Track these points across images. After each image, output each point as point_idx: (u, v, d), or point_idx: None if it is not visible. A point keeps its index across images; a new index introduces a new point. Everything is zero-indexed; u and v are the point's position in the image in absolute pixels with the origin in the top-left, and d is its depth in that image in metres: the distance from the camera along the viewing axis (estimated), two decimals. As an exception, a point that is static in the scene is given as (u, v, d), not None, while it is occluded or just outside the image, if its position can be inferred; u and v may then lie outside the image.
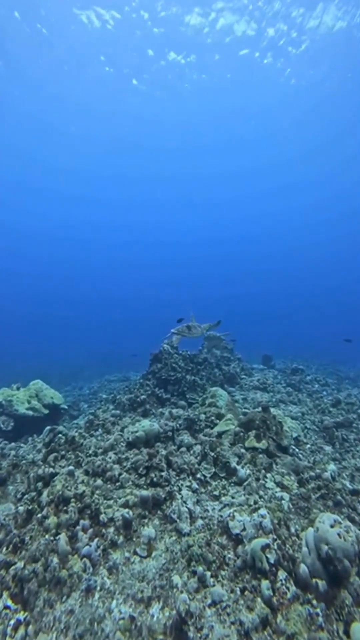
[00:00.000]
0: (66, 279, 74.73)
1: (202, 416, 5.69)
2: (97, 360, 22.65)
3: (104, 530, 2.73)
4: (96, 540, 2.55)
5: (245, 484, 3.71)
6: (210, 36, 23.39)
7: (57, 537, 2.41)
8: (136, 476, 3.82)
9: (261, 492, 3.55)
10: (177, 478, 3.78)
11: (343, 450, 5.27)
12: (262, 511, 2.83)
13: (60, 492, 3.00)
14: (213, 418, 5.63)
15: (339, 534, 2.39)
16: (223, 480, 3.90)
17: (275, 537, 2.58)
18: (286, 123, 32.78)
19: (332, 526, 2.55)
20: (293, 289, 78.98)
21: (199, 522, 3.00)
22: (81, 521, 2.69)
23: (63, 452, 4.45)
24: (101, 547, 2.53)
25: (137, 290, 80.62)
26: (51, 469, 3.81)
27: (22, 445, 5.78)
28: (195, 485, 3.67)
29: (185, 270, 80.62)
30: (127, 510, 2.96)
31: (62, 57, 25.20)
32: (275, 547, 2.42)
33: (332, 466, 4.31)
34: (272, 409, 5.54)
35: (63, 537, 2.42)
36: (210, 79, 28.21)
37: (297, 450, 4.80)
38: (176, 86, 28.93)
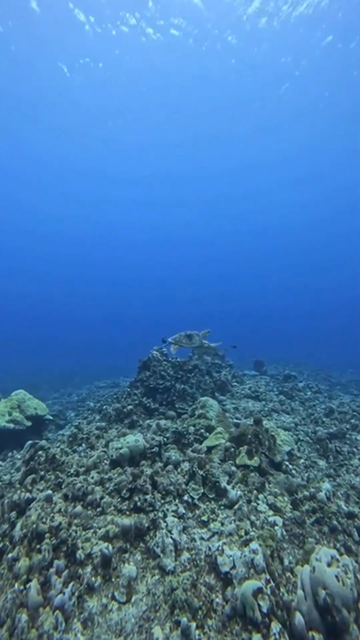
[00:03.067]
0: (62, 280, 74.08)
1: (191, 429, 5.45)
2: (88, 364, 22.30)
3: (80, 571, 2.47)
4: (71, 585, 2.29)
5: (235, 507, 3.49)
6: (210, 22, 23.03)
7: (27, 586, 2.14)
8: (119, 499, 3.57)
9: (253, 517, 3.33)
10: (162, 502, 3.53)
11: (337, 465, 5.10)
12: (254, 545, 2.60)
13: (35, 526, 2.72)
14: (202, 431, 5.40)
15: (337, 576, 2.18)
16: (212, 502, 3.66)
17: (268, 577, 2.36)
18: (285, 116, 32.36)
19: (329, 565, 2.34)
20: (284, 293, 79.68)
21: (185, 555, 2.76)
22: (55, 562, 2.42)
23: (42, 473, 4.17)
24: (76, 594, 2.26)
25: (129, 293, 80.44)
26: (27, 494, 3.53)
27: (0, 462, 5.45)
28: (181, 509, 3.43)
29: (177, 271, 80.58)
30: (106, 544, 2.70)
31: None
32: (269, 591, 2.19)
33: (326, 485, 4.12)
34: (264, 421, 5.35)
35: (34, 586, 2.15)
36: (208, 68, 27.78)
37: (290, 466, 4.60)
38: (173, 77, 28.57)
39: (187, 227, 64.82)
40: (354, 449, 5.62)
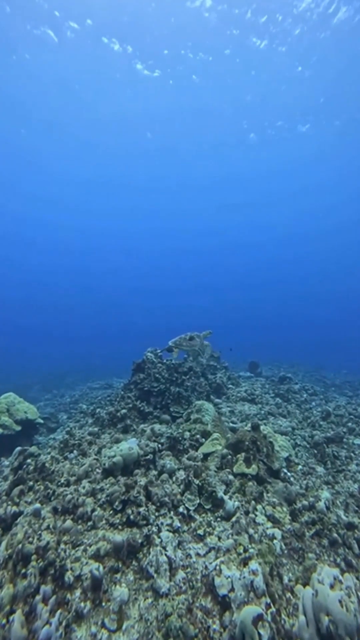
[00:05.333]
0: (54, 285, 73.76)
1: (187, 434, 5.31)
2: (81, 365, 22.06)
3: (68, 596, 2.31)
4: (58, 613, 2.13)
5: (233, 519, 3.36)
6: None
7: (11, 619, 1.98)
8: (111, 512, 3.42)
9: (251, 530, 3.19)
10: (156, 514, 3.38)
11: (335, 471, 5.00)
12: (254, 565, 2.47)
13: (20, 546, 2.55)
14: (198, 436, 5.26)
15: (340, 601, 2.06)
16: (209, 514, 3.53)
17: (268, 600, 2.23)
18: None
19: (332, 587, 2.22)
20: (277, 296, 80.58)
21: (180, 574, 2.61)
22: (42, 587, 2.25)
23: (31, 483, 3.99)
24: (64, 623, 2.10)
25: (126, 297, 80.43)
26: (14, 508, 3.36)
27: (-13, 470, 5.25)
28: (177, 523, 3.28)
29: (170, 277, 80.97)
30: (97, 565, 2.54)
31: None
32: (269, 618, 2.06)
33: (326, 493, 4.01)
34: (262, 426, 5.23)
35: (18, 618, 1.98)
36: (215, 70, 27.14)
37: (288, 474, 4.49)
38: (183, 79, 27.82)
39: (184, 235, 65.14)
40: (352, 454, 5.54)
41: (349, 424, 6.66)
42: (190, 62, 26.09)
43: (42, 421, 7.19)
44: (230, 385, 8.74)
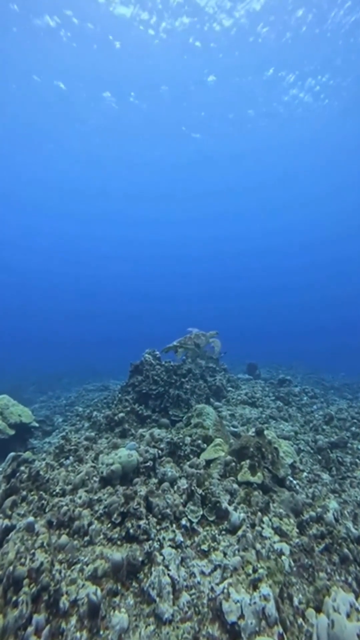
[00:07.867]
0: (52, 290, 73.82)
1: (187, 439, 5.11)
2: (77, 367, 21.80)
3: (63, 625, 2.11)
4: (51, 646, 1.93)
5: (239, 533, 3.17)
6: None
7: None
8: (109, 525, 3.21)
9: (258, 545, 3.01)
10: (158, 528, 3.19)
11: (340, 477, 4.84)
12: (265, 590, 2.28)
13: (12, 568, 2.35)
14: (199, 442, 5.07)
15: (359, 635, 1.88)
16: (213, 526, 3.34)
17: (281, 630, 2.05)
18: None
19: (348, 616, 2.04)
20: (271, 300, 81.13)
21: (184, 597, 2.42)
22: (34, 617, 2.05)
23: (24, 493, 3.78)
24: (57, 657, 1.91)
25: (125, 301, 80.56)
26: (6, 521, 3.15)
27: (-22, 478, 5.01)
28: (179, 537, 3.09)
29: (169, 283, 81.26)
30: (94, 588, 2.35)
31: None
32: (285, 651, 1.88)
33: (333, 503, 3.84)
34: (265, 431, 5.06)
35: (5, 653, 1.79)
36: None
37: (294, 481, 4.32)
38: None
39: (182, 242, 65.47)
40: (357, 460, 5.39)
41: (353, 429, 6.52)
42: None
43: (37, 424, 6.96)
44: (230, 388, 8.57)
